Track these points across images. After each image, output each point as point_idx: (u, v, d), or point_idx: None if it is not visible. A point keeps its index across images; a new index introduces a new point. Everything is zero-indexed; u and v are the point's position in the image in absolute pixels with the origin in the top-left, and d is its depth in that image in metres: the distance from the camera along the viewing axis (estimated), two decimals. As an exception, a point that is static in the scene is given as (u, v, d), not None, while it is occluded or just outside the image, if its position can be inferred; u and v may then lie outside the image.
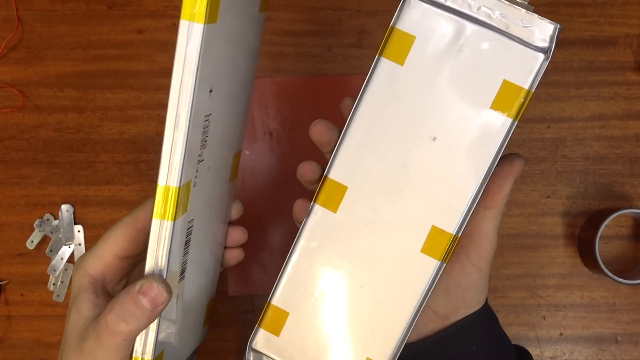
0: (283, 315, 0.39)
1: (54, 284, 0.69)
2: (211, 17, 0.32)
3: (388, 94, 0.37)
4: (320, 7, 0.71)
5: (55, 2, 0.70)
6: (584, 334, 0.69)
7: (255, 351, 0.40)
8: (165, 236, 0.35)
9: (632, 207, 0.66)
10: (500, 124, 0.36)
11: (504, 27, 0.35)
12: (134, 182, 0.70)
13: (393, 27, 0.36)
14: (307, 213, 0.39)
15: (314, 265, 0.39)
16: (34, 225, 0.69)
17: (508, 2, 0.35)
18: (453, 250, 0.37)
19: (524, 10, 0.35)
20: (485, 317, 0.42)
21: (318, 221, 0.38)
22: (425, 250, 0.37)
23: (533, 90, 0.35)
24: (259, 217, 0.69)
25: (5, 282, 0.69)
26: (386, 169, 0.37)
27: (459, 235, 0.37)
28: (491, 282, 0.69)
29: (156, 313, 0.34)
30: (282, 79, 0.70)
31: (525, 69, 0.35)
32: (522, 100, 0.35)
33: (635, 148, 0.70)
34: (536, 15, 0.35)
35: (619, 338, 0.69)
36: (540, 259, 0.69)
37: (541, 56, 0.34)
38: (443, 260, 0.37)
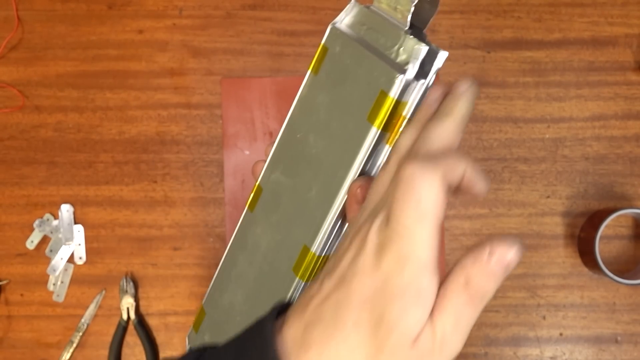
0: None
1: (54, 284, 0.69)
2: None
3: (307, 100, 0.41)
4: (320, 7, 0.71)
5: (55, 2, 0.70)
6: (584, 334, 0.69)
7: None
8: None
9: (632, 207, 0.66)
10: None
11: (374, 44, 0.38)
12: (134, 182, 0.70)
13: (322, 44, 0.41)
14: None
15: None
16: (34, 225, 0.69)
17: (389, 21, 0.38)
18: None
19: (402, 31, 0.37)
20: None
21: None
22: (295, 268, 0.39)
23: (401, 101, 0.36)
24: (259, 217, 0.69)
25: (5, 282, 0.69)
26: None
27: (327, 255, 0.39)
28: (491, 282, 0.69)
29: None
30: (282, 79, 0.70)
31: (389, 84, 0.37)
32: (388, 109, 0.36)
33: (635, 148, 0.70)
34: (415, 39, 0.37)
35: (619, 338, 0.69)
36: (540, 259, 0.69)
37: (401, 76, 0.36)
38: (306, 280, 0.39)
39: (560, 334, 0.69)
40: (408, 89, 0.35)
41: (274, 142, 0.42)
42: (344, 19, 0.41)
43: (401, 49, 0.36)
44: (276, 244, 0.40)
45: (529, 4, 0.70)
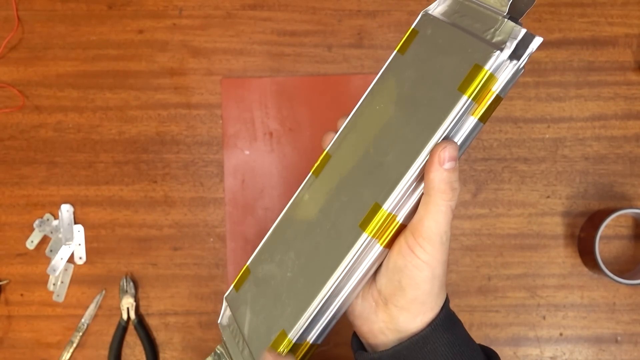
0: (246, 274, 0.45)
1: (54, 284, 0.69)
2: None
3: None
4: (320, 7, 0.71)
5: (55, 2, 0.71)
6: (584, 334, 0.69)
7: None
8: None
9: (632, 207, 0.66)
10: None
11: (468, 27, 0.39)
12: (134, 182, 0.70)
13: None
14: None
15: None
16: (34, 225, 0.69)
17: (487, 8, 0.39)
18: (389, 230, 0.40)
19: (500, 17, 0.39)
20: (443, 329, 0.40)
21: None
22: (362, 225, 0.39)
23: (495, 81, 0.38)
24: (259, 216, 0.69)
25: (5, 282, 0.69)
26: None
27: (395, 215, 0.40)
28: (491, 282, 0.69)
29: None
30: (282, 79, 0.70)
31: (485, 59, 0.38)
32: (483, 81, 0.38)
33: (635, 148, 0.70)
34: (513, 22, 0.38)
35: (619, 338, 0.69)
36: (540, 259, 0.69)
37: (497, 52, 0.37)
38: (374, 236, 0.39)
39: (560, 334, 0.69)
40: (501, 66, 0.37)
41: (350, 113, 0.43)
42: (437, 8, 0.42)
43: (497, 31, 0.38)
44: (342, 205, 0.41)
45: (529, 4, 0.70)
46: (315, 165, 0.43)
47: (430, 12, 0.42)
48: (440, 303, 0.40)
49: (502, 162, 0.70)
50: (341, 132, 0.43)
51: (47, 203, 0.70)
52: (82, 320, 0.69)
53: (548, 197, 0.69)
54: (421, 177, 0.38)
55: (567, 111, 0.70)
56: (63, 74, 0.70)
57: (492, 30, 0.38)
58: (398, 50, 0.42)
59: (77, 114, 0.70)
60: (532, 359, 0.68)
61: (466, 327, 0.42)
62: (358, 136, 0.42)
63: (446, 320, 0.40)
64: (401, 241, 0.39)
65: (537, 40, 0.37)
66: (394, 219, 0.39)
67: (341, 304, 0.40)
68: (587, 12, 0.70)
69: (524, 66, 0.38)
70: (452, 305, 0.42)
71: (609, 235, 0.69)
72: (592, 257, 0.64)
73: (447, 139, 0.38)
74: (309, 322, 0.39)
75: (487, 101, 0.38)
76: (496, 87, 0.37)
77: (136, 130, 0.70)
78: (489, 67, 0.37)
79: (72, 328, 0.69)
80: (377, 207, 0.39)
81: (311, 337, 0.40)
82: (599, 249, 0.64)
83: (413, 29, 0.42)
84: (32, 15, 0.70)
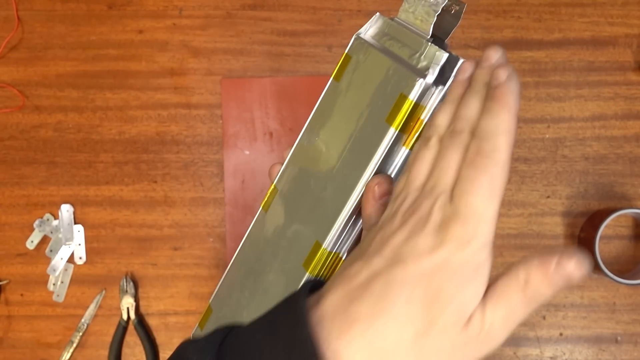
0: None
1: (54, 284, 0.69)
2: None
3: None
4: (320, 7, 0.71)
5: (55, 2, 0.70)
6: (584, 334, 0.69)
7: None
8: None
9: (632, 207, 0.66)
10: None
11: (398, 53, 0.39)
12: (134, 182, 0.70)
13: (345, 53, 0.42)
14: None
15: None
16: (34, 225, 0.69)
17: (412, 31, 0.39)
18: (332, 266, 0.40)
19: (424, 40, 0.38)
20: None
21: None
22: (305, 264, 0.40)
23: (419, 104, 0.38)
24: (259, 217, 0.69)
25: (5, 282, 0.69)
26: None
27: (338, 252, 0.40)
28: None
29: None
30: (282, 79, 0.70)
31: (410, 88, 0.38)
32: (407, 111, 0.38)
33: (635, 148, 0.70)
34: (436, 46, 0.38)
35: (619, 338, 0.69)
36: (540, 259, 0.69)
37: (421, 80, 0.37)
38: (316, 275, 0.39)
39: (560, 334, 0.69)
40: (427, 93, 0.37)
41: (293, 145, 0.43)
42: (368, 30, 0.42)
43: (422, 56, 0.37)
44: (288, 243, 0.41)
45: (529, 4, 0.70)
46: (264, 200, 0.44)
47: (362, 35, 0.42)
48: None
49: (502, 162, 0.70)
50: (286, 165, 0.43)
51: (47, 203, 0.70)
52: (82, 320, 0.69)
53: (548, 197, 0.69)
54: (359, 211, 0.38)
55: (567, 111, 0.70)
56: (63, 74, 0.70)
57: (417, 55, 0.38)
58: (334, 77, 0.42)
59: (77, 114, 0.70)
60: (532, 359, 0.68)
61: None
62: (300, 170, 0.42)
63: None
64: None
65: (460, 62, 0.37)
66: (337, 256, 0.39)
67: None
68: (587, 12, 0.70)
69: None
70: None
71: (609, 235, 0.69)
72: (592, 257, 0.64)
73: (380, 172, 0.38)
74: None
75: (416, 131, 0.37)
76: (425, 115, 0.37)
77: (136, 130, 0.70)
78: (413, 96, 0.36)
79: (72, 328, 0.69)
80: (318, 246, 0.39)
81: None
82: (599, 249, 0.64)
83: (346, 54, 0.42)
84: (32, 15, 0.70)
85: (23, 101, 0.70)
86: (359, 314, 0.28)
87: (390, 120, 0.37)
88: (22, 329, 0.69)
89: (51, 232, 0.69)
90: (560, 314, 0.69)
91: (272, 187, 0.43)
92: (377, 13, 0.42)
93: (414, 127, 0.37)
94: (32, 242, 0.69)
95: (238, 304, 0.44)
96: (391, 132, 0.37)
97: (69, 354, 0.68)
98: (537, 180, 0.70)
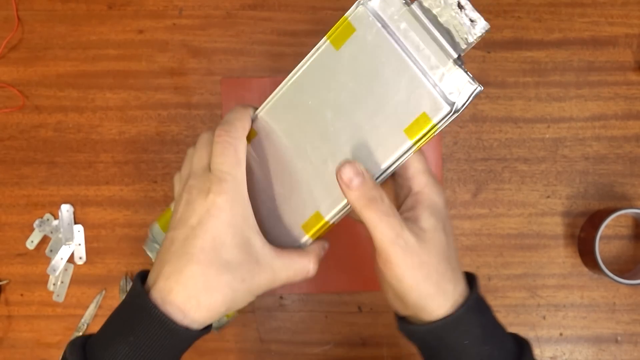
0: None
1: (53, 284, 0.69)
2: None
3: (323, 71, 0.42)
4: (320, 7, 0.71)
5: (55, 2, 0.71)
6: (584, 334, 0.69)
7: None
8: None
9: (632, 207, 0.66)
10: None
11: (426, 66, 0.39)
12: (134, 182, 0.70)
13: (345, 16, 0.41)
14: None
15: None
16: (34, 225, 0.69)
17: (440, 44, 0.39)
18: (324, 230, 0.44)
19: (451, 60, 0.38)
20: (474, 311, 0.42)
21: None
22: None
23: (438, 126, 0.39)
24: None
25: (5, 282, 0.69)
26: None
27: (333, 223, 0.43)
28: (491, 282, 0.69)
29: None
30: (282, 79, 0.70)
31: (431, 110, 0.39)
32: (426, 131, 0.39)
33: (635, 148, 0.70)
34: (461, 70, 0.38)
35: (619, 338, 0.69)
36: (540, 259, 0.69)
37: (447, 108, 0.38)
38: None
39: (560, 334, 0.69)
40: (445, 117, 0.39)
41: (274, 92, 0.43)
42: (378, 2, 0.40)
43: (446, 75, 0.38)
44: (284, 199, 0.44)
45: (529, 4, 0.70)
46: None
47: (368, 3, 0.40)
48: (458, 283, 0.42)
49: (502, 162, 0.70)
50: (267, 110, 0.44)
51: (47, 203, 0.70)
52: (82, 320, 0.69)
53: (548, 197, 0.70)
54: None
55: (567, 111, 0.70)
56: (63, 74, 0.70)
57: (440, 71, 0.38)
58: (332, 43, 0.41)
59: (77, 114, 0.70)
60: (532, 359, 0.68)
61: (466, 327, 0.42)
62: (287, 126, 0.43)
63: (478, 304, 0.42)
64: (377, 262, 0.41)
65: (478, 90, 0.38)
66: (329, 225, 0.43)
67: None
68: (587, 12, 0.70)
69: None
70: (452, 305, 0.42)
71: (609, 235, 0.69)
72: (592, 257, 0.64)
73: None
74: None
75: (423, 144, 0.40)
76: (435, 132, 0.39)
77: (136, 130, 0.70)
78: (437, 121, 0.38)
79: (72, 328, 0.69)
80: (318, 217, 0.42)
81: None
82: (599, 249, 0.64)
83: (349, 21, 0.40)
84: (32, 15, 0.70)
85: (23, 101, 0.70)
86: (169, 270, 0.40)
87: (409, 134, 0.39)
88: (22, 329, 0.69)
89: (51, 232, 0.69)
90: (560, 314, 0.69)
91: (251, 129, 0.44)
92: None
93: (424, 141, 0.40)
94: (32, 242, 0.69)
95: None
96: (408, 144, 0.39)
97: (69, 354, 0.68)
98: (537, 180, 0.70)
